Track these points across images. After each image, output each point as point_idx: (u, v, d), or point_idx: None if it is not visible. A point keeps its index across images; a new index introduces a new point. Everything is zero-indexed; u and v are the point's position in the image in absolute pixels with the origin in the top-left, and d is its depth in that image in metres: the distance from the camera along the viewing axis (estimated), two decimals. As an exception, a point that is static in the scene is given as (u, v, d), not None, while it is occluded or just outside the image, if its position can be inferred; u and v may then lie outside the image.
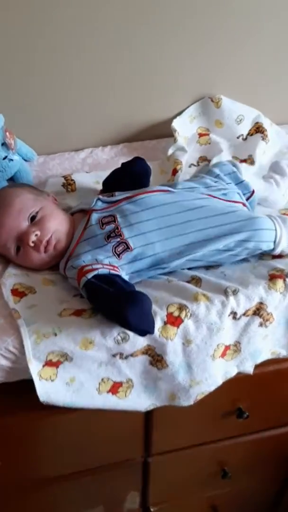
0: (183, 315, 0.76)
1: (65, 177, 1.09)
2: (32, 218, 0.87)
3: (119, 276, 0.79)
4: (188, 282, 0.83)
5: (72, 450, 0.97)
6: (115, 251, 0.82)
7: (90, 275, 0.77)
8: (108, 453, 1.01)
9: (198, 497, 1.27)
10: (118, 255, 0.82)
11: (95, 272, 0.78)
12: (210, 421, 1.01)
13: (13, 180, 1.10)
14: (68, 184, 1.08)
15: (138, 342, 0.75)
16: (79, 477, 1.04)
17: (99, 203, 0.90)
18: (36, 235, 0.85)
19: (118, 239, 0.82)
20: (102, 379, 0.78)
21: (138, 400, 0.82)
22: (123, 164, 1.00)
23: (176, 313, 0.76)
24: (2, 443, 0.89)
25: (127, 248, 0.82)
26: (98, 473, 1.05)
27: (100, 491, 1.11)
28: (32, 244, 0.85)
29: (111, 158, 1.17)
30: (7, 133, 1.00)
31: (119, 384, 0.80)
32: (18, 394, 0.80)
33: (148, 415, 0.93)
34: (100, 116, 1.17)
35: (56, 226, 0.88)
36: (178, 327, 0.76)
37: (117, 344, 0.75)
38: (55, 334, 0.73)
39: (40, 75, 1.07)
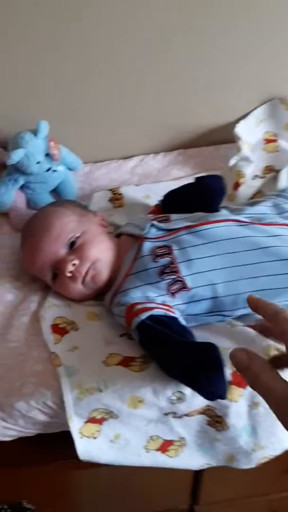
0: None
1: (112, 191, 0.98)
2: (72, 244, 0.78)
3: (176, 320, 0.68)
4: (254, 327, 0.71)
5: (112, 498, 0.88)
6: (169, 289, 0.71)
7: (143, 316, 0.67)
8: (151, 502, 0.91)
9: None
10: (173, 294, 0.70)
11: (150, 313, 0.67)
12: (271, 475, 0.89)
13: (56, 192, 1.00)
14: (116, 199, 0.97)
15: (196, 402, 0.64)
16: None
17: (153, 230, 0.78)
18: (74, 264, 0.76)
19: (174, 276, 0.71)
20: (151, 437, 0.68)
21: (190, 460, 0.72)
22: (199, 178, 0.89)
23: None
24: (38, 489, 0.81)
25: (184, 287, 0.70)
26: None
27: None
28: (69, 274, 0.76)
29: (164, 168, 1.05)
30: (51, 143, 0.90)
31: (170, 442, 0.69)
32: (57, 443, 0.71)
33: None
34: (152, 119, 1.05)
35: (98, 255, 0.77)
36: (245, 388, 0.64)
37: (171, 404, 0.64)
38: (100, 390, 0.63)
39: (86, 78, 0.96)
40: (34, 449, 0.73)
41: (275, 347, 0.65)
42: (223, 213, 0.79)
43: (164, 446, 0.70)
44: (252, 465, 0.71)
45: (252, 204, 0.84)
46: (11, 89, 0.95)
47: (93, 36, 0.90)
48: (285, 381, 0.40)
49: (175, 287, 0.71)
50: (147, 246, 0.76)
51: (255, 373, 0.42)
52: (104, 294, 0.79)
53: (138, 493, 0.88)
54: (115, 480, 0.83)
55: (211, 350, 0.60)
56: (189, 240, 0.74)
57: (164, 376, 0.64)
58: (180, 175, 1.04)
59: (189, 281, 0.70)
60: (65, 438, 0.69)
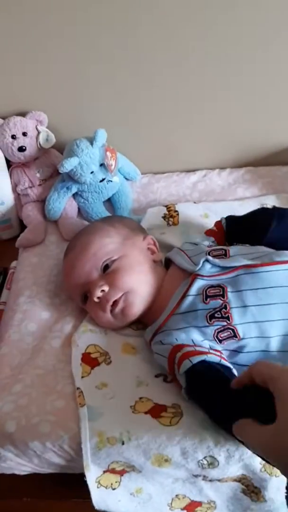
0: None
1: (167, 207, 0.90)
2: (106, 268, 0.71)
3: (230, 370, 0.59)
4: None
5: None
6: (217, 336, 0.62)
7: (196, 360, 0.58)
8: None
9: None
10: (220, 341, 0.62)
11: (203, 358, 0.58)
12: None
13: (110, 202, 0.95)
14: (171, 216, 0.90)
15: (230, 470, 0.56)
16: None
17: (208, 266, 0.69)
18: (102, 290, 0.69)
19: (224, 323, 0.62)
20: (177, 495, 0.61)
21: (220, 524, 0.63)
22: (274, 209, 0.79)
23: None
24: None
25: (234, 336, 0.62)
26: None
27: None
28: (96, 300, 0.69)
29: (228, 186, 0.96)
30: (108, 153, 0.84)
31: (198, 503, 0.62)
32: (75, 480, 0.66)
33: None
34: (220, 133, 0.96)
35: (131, 285, 0.69)
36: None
37: (201, 468, 0.56)
38: (123, 443, 0.56)
39: (153, 86, 0.89)
40: (51, 483, 0.69)
41: None
42: None
43: (192, 507, 0.62)
44: None
45: None
46: (73, 94, 0.90)
47: (164, 43, 0.83)
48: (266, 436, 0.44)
49: (224, 334, 0.62)
50: (199, 284, 0.67)
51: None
52: (143, 322, 0.72)
53: None
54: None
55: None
56: (247, 282, 0.64)
57: (196, 436, 0.56)
58: (245, 195, 0.95)
59: (240, 330, 0.62)
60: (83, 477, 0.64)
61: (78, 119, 0.93)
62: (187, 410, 0.60)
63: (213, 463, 0.55)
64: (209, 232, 0.81)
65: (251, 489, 0.59)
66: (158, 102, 0.92)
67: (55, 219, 0.92)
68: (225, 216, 0.79)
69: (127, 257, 0.71)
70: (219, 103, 0.92)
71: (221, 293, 0.65)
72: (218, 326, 0.62)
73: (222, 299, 0.64)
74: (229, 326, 0.62)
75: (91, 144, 0.83)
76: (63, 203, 0.91)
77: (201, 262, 0.69)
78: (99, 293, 0.69)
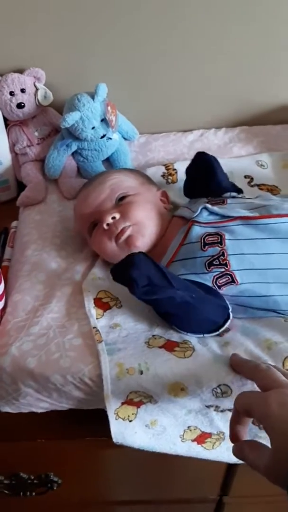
0: None
1: (166, 166, 0.93)
2: (120, 200, 0.74)
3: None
4: None
5: (140, 480, 0.85)
6: (215, 282, 0.65)
7: None
8: (180, 489, 0.88)
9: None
10: (219, 287, 0.65)
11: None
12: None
13: (109, 162, 0.96)
14: (169, 175, 0.92)
15: (242, 399, 0.59)
16: (145, 505, 0.93)
17: (205, 213, 0.72)
18: (113, 218, 0.72)
19: (222, 270, 0.65)
20: (189, 427, 0.64)
21: (226, 453, 0.67)
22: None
23: (297, 370, 0.59)
24: (66, 463, 0.80)
25: (232, 281, 0.65)
26: (165, 505, 0.93)
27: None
28: (106, 227, 0.72)
29: (224, 145, 0.99)
30: (109, 108, 0.85)
31: (208, 435, 0.65)
32: (89, 419, 0.69)
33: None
34: (216, 92, 0.98)
35: (143, 218, 0.73)
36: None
37: (214, 397, 0.59)
38: (141, 372, 0.59)
39: (150, 42, 0.90)
40: (66, 423, 0.71)
41: None
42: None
43: (202, 438, 0.66)
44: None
45: None
46: (69, 50, 0.91)
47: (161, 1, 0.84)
48: (265, 458, 0.48)
49: (222, 280, 0.65)
50: (197, 231, 0.70)
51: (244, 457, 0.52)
52: None
53: (167, 479, 0.85)
54: (145, 463, 0.79)
55: None
56: (246, 232, 0.67)
57: (210, 366, 0.60)
58: (241, 154, 0.97)
59: (238, 276, 0.65)
60: (98, 416, 0.67)
61: (75, 77, 0.93)
62: (198, 345, 0.63)
63: (226, 391, 0.59)
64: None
65: (260, 417, 0.63)
66: (155, 61, 0.93)
67: (55, 177, 0.93)
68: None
69: (142, 196, 0.75)
70: (216, 63, 0.94)
71: (219, 240, 0.67)
72: (217, 273, 0.65)
73: (220, 246, 0.67)
74: (227, 272, 0.65)
75: (92, 98, 0.84)
76: (63, 161, 0.92)
77: (199, 209, 0.72)
78: (109, 220, 0.71)
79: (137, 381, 0.59)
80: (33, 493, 0.83)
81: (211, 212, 0.72)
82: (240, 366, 0.58)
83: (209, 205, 0.72)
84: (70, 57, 0.91)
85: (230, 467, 0.82)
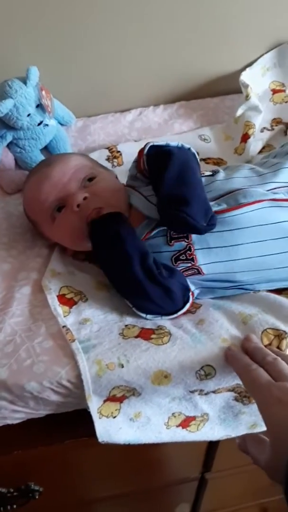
0: (283, 345, 0.59)
1: (109, 149, 0.89)
2: (88, 180, 0.69)
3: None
4: (279, 292, 0.65)
5: (124, 474, 0.83)
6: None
7: None
8: (165, 475, 0.88)
9: (251, 504, 1.15)
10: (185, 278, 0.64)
11: None
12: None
13: (48, 150, 0.91)
14: (114, 157, 0.89)
15: (226, 379, 0.59)
16: (128, 496, 0.91)
17: None
18: (85, 198, 0.66)
19: (189, 265, 0.64)
20: (173, 414, 0.63)
21: (211, 433, 0.67)
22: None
23: (274, 344, 0.59)
24: (46, 470, 0.76)
25: (198, 273, 0.64)
26: (149, 492, 0.92)
27: (149, 505, 0.99)
28: (76, 209, 0.66)
29: (165, 122, 0.97)
30: (43, 92, 0.80)
31: (192, 418, 0.64)
32: (65, 422, 0.66)
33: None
34: (151, 69, 0.96)
35: (115, 201, 0.68)
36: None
37: (198, 380, 0.58)
38: (122, 366, 0.57)
39: (79, 19, 0.85)
40: (41, 429, 0.67)
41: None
42: (257, 191, 0.66)
43: (186, 422, 0.65)
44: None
45: (276, 168, 0.72)
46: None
47: None
48: (265, 452, 0.49)
49: (188, 273, 0.64)
50: (162, 228, 0.67)
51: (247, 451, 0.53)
52: None
53: (151, 467, 0.84)
54: (127, 456, 0.78)
55: None
56: None
57: (190, 349, 0.58)
58: (182, 130, 0.96)
59: (204, 269, 0.64)
60: (74, 417, 0.64)
61: (1, 65, 0.87)
62: (173, 329, 0.62)
63: (210, 373, 0.58)
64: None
65: (243, 394, 0.63)
66: (85, 40, 0.89)
67: (-7, 171, 0.86)
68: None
69: (107, 176, 0.71)
70: (148, 38, 0.91)
71: (185, 234, 0.65)
72: (183, 267, 0.64)
73: (187, 241, 0.64)
74: (193, 266, 0.64)
75: (25, 83, 0.78)
76: (-1, 154, 0.86)
77: None
78: (81, 200, 0.66)
79: (118, 375, 0.57)
80: (14, 506, 0.79)
81: None
82: (233, 361, 0.57)
83: None
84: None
85: (211, 444, 0.82)
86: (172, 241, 0.65)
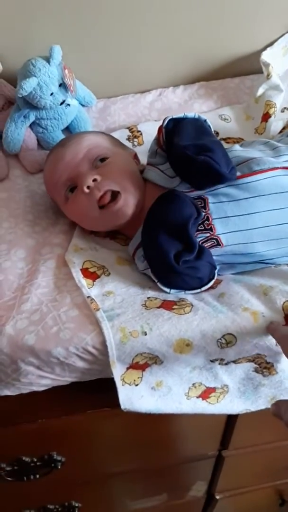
0: None
1: (129, 129, 0.90)
2: (99, 162, 0.70)
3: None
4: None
5: (143, 447, 0.85)
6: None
7: None
8: (182, 450, 0.89)
9: (267, 485, 1.16)
10: None
11: None
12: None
13: (69, 130, 0.92)
14: (134, 137, 0.89)
15: (246, 348, 0.60)
16: (147, 472, 0.93)
17: (184, 183, 0.68)
18: (95, 180, 0.67)
19: (208, 235, 0.64)
20: (194, 384, 0.64)
21: (231, 406, 0.68)
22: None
23: (295, 314, 0.60)
24: (69, 440, 0.78)
25: (218, 244, 0.65)
26: (167, 468, 0.94)
27: (166, 482, 1.01)
28: (86, 190, 0.67)
29: (185, 102, 0.97)
30: (66, 71, 0.81)
31: (213, 389, 0.66)
32: (88, 392, 0.68)
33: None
34: (170, 49, 0.95)
35: (126, 184, 0.68)
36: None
37: (219, 348, 0.59)
38: (145, 333, 0.58)
39: (98, 1, 0.86)
40: (65, 399, 0.69)
41: None
42: (269, 160, 0.68)
43: (206, 393, 0.66)
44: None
45: None
46: (14, 14, 0.84)
47: None
48: None
49: (207, 244, 0.65)
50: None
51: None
52: (125, 234, 0.74)
53: (169, 442, 0.86)
54: (146, 429, 0.79)
55: None
56: (228, 193, 0.65)
57: (211, 318, 0.59)
58: (203, 110, 0.96)
59: (223, 239, 0.64)
60: (96, 387, 0.66)
61: (23, 43, 0.88)
62: (195, 301, 0.63)
63: (231, 341, 0.59)
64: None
65: (264, 365, 0.63)
66: (106, 20, 0.89)
67: (16, 152, 0.88)
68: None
69: (121, 157, 0.71)
70: (168, 18, 0.91)
71: (202, 205, 0.66)
72: (202, 238, 0.64)
73: (204, 210, 0.65)
74: (212, 236, 0.64)
75: (48, 62, 0.79)
76: (22, 134, 0.87)
77: (178, 179, 0.68)
78: (90, 182, 0.66)
79: (142, 343, 0.58)
80: (37, 476, 0.81)
81: None
82: (275, 332, 0.58)
83: None
84: (16, 20, 0.86)
85: (229, 420, 0.83)
86: None
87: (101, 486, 0.95)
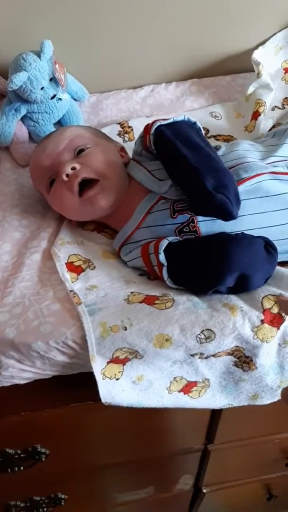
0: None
1: (121, 124, 0.91)
2: (79, 152, 0.70)
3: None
4: (282, 264, 0.66)
5: (127, 441, 0.86)
6: None
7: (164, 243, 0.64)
8: (167, 444, 0.90)
9: (254, 479, 1.17)
10: None
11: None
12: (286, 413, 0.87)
13: (61, 124, 0.92)
14: (125, 132, 0.90)
15: (225, 342, 0.60)
16: (133, 464, 0.94)
17: (174, 189, 0.68)
18: (73, 168, 0.67)
19: (193, 237, 0.65)
20: (175, 378, 0.65)
21: (213, 400, 0.69)
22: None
23: (275, 310, 0.60)
24: (53, 433, 0.79)
25: None
26: (153, 462, 0.95)
27: (153, 475, 1.02)
28: (65, 178, 0.67)
29: (176, 99, 0.97)
30: (57, 66, 0.81)
31: (194, 383, 0.66)
32: (72, 385, 0.68)
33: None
34: (163, 45, 0.96)
35: (105, 171, 0.68)
36: (278, 328, 0.60)
37: (199, 343, 0.60)
38: (125, 328, 0.59)
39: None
40: (49, 392, 0.70)
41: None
42: (258, 165, 0.68)
43: (188, 388, 0.66)
44: (275, 399, 0.69)
45: (275, 143, 0.75)
46: (6, 7, 0.85)
47: None
48: None
49: None
50: (166, 201, 0.68)
51: None
52: (111, 227, 0.74)
53: (155, 436, 0.87)
54: (130, 422, 0.80)
55: None
56: None
57: (191, 314, 0.60)
58: (194, 107, 0.96)
59: None
60: (80, 381, 0.66)
61: (15, 37, 0.88)
62: (177, 297, 0.63)
63: (210, 336, 0.59)
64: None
65: (243, 359, 0.64)
66: (99, 15, 0.89)
67: (7, 144, 0.88)
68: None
69: (103, 147, 0.72)
70: (161, 16, 0.91)
71: (188, 207, 0.66)
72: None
73: (190, 213, 0.66)
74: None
75: (39, 57, 0.80)
76: (13, 127, 0.87)
77: (168, 185, 0.68)
78: (69, 170, 0.67)
79: (121, 338, 0.59)
80: (22, 468, 0.82)
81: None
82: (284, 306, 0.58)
83: None
84: (7, 14, 0.86)
85: (214, 415, 0.84)
86: (176, 214, 0.67)
87: (87, 479, 0.96)
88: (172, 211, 0.67)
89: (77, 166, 0.68)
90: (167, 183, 0.69)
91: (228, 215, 0.60)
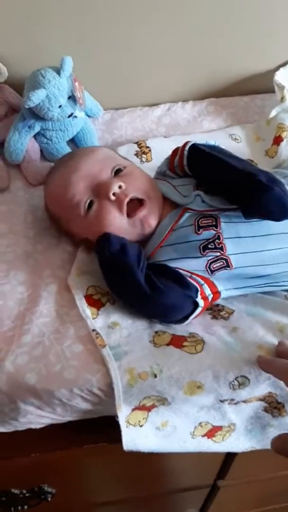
0: None
1: (138, 144, 0.86)
2: (117, 172, 0.67)
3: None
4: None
5: (135, 479, 0.82)
6: (209, 267, 0.62)
7: None
8: (178, 482, 0.86)
9: (257, 510, 1.14)
10: (212, 272, 0.62)
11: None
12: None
13: (74, 142, 0.88)
14: (143, 153, 0.86)
15: (259, 388, 0.57)
16: (137, 501, 0.90)
17: (199, 200, 0.66)
18: (120, 186, 0.64)
19: (218, 254, 0.62)
20: (200, 423, 0.61)
21: (236, 443, 0.66)
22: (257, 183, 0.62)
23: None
24: (62, 473, 0.74)
25: (227, 266, 0.62)
26: (159, 497, 0.91)
27: (157, 509, 0.98)
28: (112, 197, 0.64)
29: (194, 119, 0.94)
30: (76, 84, 0.77)
31: (219, 428, 0.63)
32: (85, 427, 0.64)
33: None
34: (181, 64, 0.92)
35: (151, 189, 0.67)
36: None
37: (231, 389, 0.56)
38: (155, 376, 0.55)
39: (110, 9, 0.82)
40: (62, 433, 0.65)
41: None
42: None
43: (212, 432, 0.63)
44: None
45: None
46: (23, 20, 0.80)
47: None
48: None
49: (216, 265, 0.62)
50: (190, 215, 0.65)
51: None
52: None
53: (165, 475, 0.83)
54: (143, 463, 0.76)
55: None
56: (240, 215, 0.63)
57: (225, 358, 0.56)
58: (211, 128, 0.93)
59: (233, 260, 0.62)
60: (95, 422, 0.62)
61: (31, 50, 0.84)
62: (207, 337, 0.59)
63: (244, 383, 0.56)
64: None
65: (274, 405, 0.61)
66: (117, 32, 0.85)
67: (18, 162, 0.84)
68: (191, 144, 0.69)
69: (137, 168, 0.69)
70: (180, 34, 0.87)
71: (214, 223, 0.63)
72: (211, 257, 0.62)
73: (215, 229, 0.63)
74: (222, 256, 0.62)
75: (58, 74, 0.75)
76: (25, 144, 0.83)
77: (193, 196, 0.66)
78: (116, 188, 0.64)
79: (151, 385, 0.54)
80: (25, 507, 0.77)
81: (205, 202, 0.66)
82: (269, 366, 0.54)
83: (203, 194, 0.66)
84: (24, 27, 0.81)
85: (229, 454, 0.80)
86: (200, 230, 0.64)
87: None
88: (196, 227, 0.64)
89: (123, 185, 0.64)
90: (191, 196, 0.66)
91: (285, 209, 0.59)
